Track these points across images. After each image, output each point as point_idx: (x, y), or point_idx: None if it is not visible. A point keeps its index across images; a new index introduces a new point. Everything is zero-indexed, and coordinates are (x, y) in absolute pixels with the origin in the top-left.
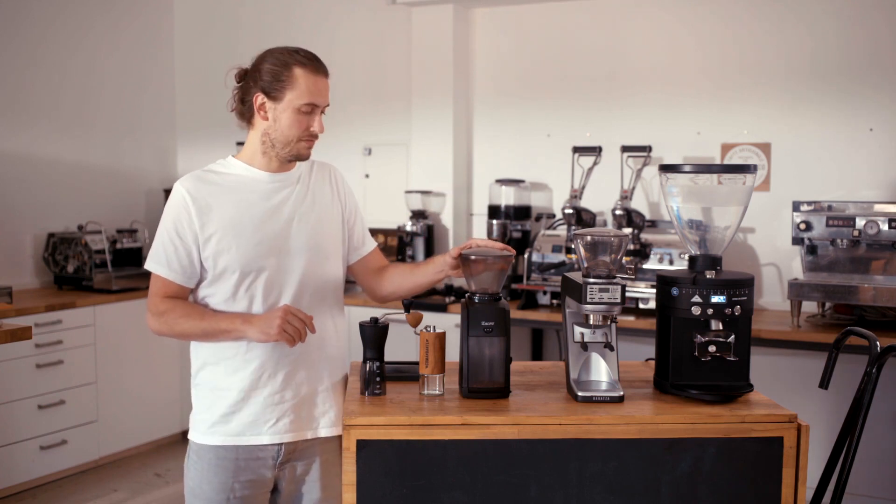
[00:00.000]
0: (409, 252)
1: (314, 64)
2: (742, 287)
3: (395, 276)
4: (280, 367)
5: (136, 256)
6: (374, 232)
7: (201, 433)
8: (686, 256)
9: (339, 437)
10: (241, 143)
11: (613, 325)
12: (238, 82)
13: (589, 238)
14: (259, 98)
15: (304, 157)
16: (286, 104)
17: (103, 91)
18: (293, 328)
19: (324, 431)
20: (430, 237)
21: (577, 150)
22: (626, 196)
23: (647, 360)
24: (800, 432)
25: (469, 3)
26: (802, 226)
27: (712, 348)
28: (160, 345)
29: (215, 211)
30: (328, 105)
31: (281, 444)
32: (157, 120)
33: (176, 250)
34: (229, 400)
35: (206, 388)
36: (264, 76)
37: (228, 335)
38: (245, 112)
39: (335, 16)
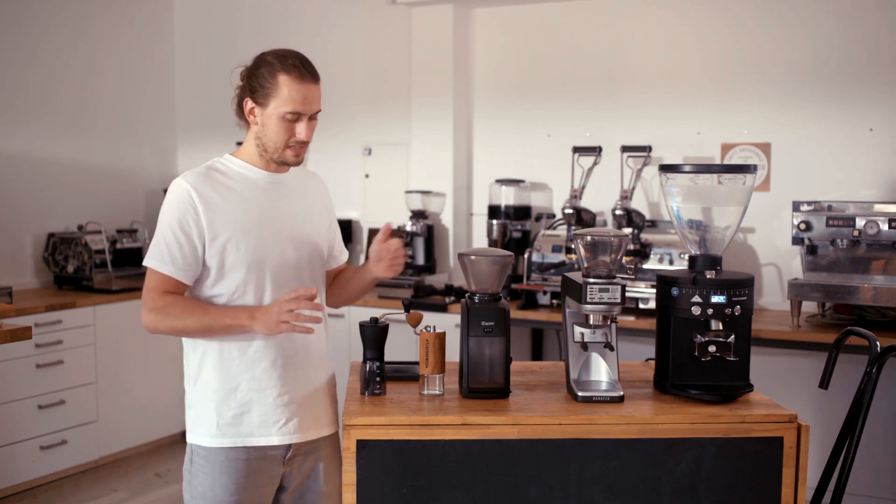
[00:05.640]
0: (409, 252)
1: (300, 71)
2: (742, 287)
3: (335, 288)
4: (288, 366)
5: (136, 256)
6: (375, 232)
7: (208, 436)
8: (686, 256)
9: (336, 433)
10: (241, 143)
11: (613, 325)
12: (241, 81)
13: (589, 238)
14: (248, 103)
15: (291, 162)
16: (271, 111)
17: (103, 91)
18: (290, 314)
19: (325, 430)
20: (430, 237)
21: (577, 150)
22: (626, 196)
23: (647, 360)
24: (800, 432)
25: (469, 3)
26: (802, 226)
27: (712, 348)
28: (160, 345)
29: (221, 209)
30: (318, 111)
31: (290, 444)
32: (156, 120)
33: (181, 247)
34: (237, 400)
35: (210, 389)
36: (253, 81)
37: (233, 330)
38: (242, 113)
39: (335, 15)
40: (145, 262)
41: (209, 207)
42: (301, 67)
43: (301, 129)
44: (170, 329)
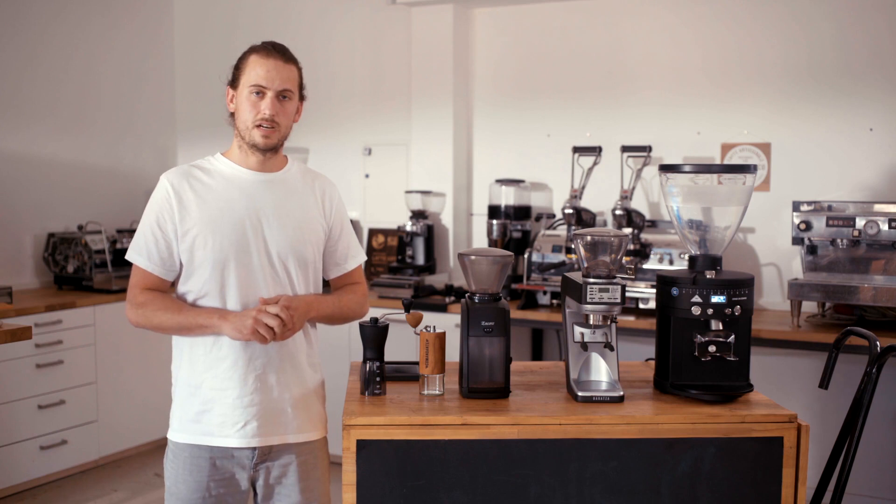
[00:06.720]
0: (409, 252)
1: (268, 50)
2: (742, 287)
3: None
4: (251, 369)
5: None
6: (374, 232)
7: (176, 430)
8: (686, 256)
9: (319, 441)
10: None
11: (613, 325)
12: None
13: (589, 238)
14: (229, 92)
15: (260, 144)
16: (241, 88)
17: (103, 90)
18: (266, 328)
19: (292, 438)
20: (430, 237)
21: (577, 150)
22: (626, 196)
23: (647, 360)
24: (800, 432)
25: (469, 3)
26: (802, 226)
27: (712, 348)
28: (160, 345)
29: (195, 205)
30: (286, 90)
31: (255, 448)
32: (156, 119)
33: (157, 242)
34: (201, 398)
35: (182, 383)
36: (234, 70)
37: (204, 330)
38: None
39: (335, 15)
40: (127, 256)
41: (182, 204)
42: (271, 48)
43: (265, 104)
44: (149, 325)
